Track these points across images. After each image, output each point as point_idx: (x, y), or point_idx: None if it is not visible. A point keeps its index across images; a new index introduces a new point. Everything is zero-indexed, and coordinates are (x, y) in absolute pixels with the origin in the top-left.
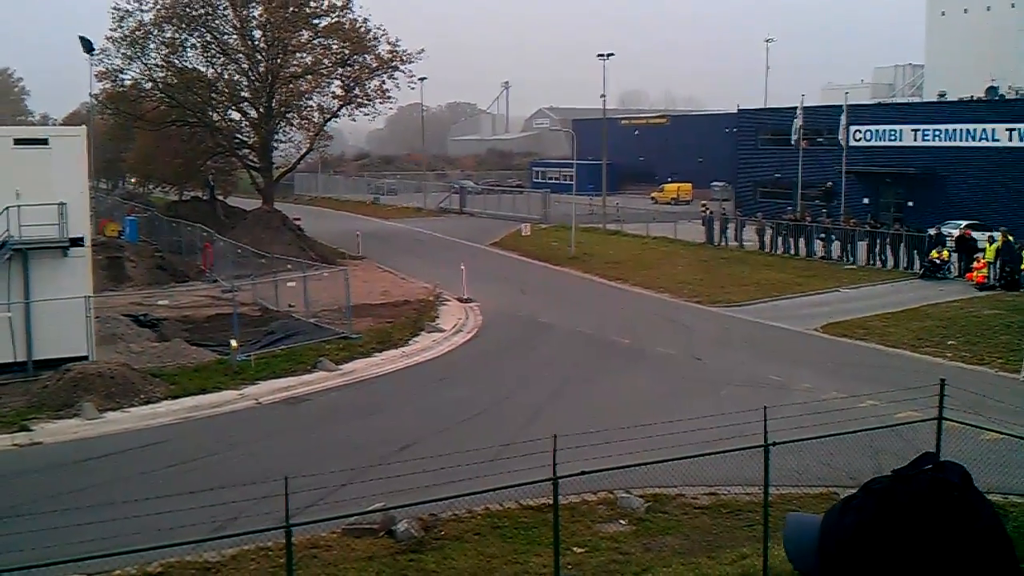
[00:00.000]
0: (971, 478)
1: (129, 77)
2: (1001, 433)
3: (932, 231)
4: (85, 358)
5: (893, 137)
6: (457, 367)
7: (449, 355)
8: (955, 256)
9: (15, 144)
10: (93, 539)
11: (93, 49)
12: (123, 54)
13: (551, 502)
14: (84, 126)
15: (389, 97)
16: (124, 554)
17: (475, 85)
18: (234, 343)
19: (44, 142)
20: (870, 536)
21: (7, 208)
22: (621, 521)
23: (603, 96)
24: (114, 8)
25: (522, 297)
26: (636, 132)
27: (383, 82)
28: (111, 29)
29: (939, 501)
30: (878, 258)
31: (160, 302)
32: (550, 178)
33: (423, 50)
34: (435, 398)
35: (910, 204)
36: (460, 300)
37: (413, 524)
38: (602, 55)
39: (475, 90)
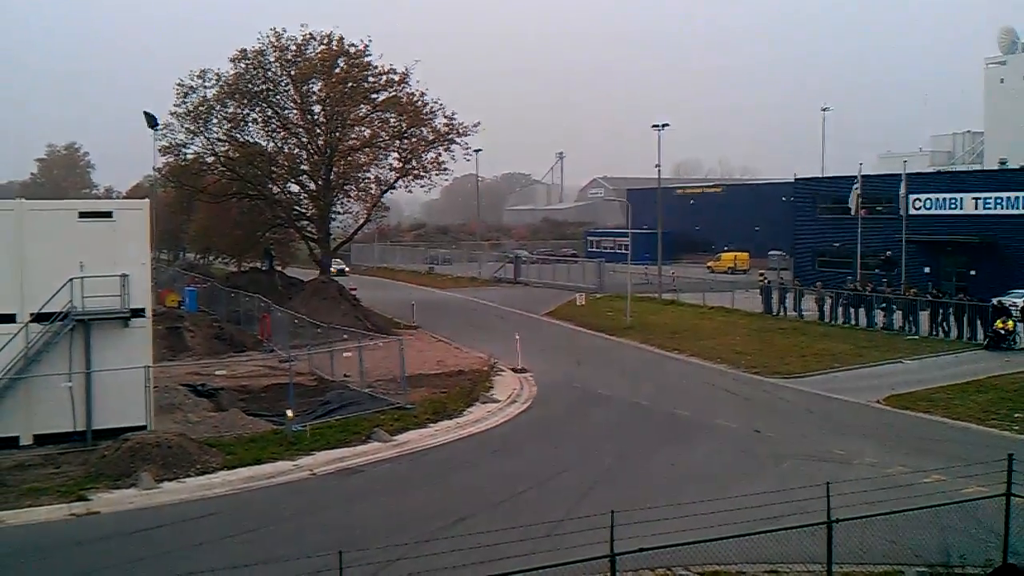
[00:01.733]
0: None
1: (192, 151)
2: None
3: (995, 301)
4: (143, 427)
5: (954, 205)
6: (512, 439)
7: (504, 426)
8: (1020, 326)
9: (80, 217)
10: None
11: (157, 124)
12: (186, 128)
13: None
14: (147, 199)
15: (445, 169)
16: None
17: (530, 155)
18: (290, 413)
19: (108, 215)
20: None
21: (71, 280)
22: None
23: (658, 166)
24: (178, 84)
25: (577, 367)
26: (691, 201)
27: (439, 154)
28: (175, 104)
29: None
30: (940, 328)
31: (218, 372)
32: (605, 247)
33: (479, 123)
34: (490, 470)
35: (972, 273)
36: (515, 370)
37: None
38: (657, 125)
39: (530, 160)
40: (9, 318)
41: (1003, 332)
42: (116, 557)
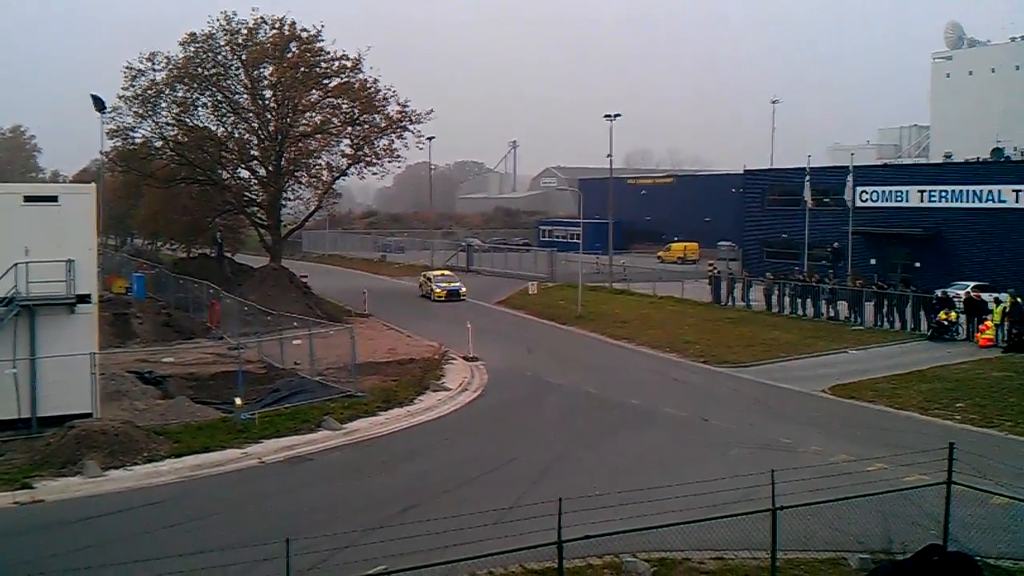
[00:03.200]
0: (980, 571)
1: (140, 135)
2: (1011, 498)
3: (939, 292)
4: (89, 415)
5: (900, 198)
6: (462, 427)
7: (454, 414)
8: (963, 317)
9: (25, 201)
10: None
11: (105, 107)
12: (135, 112)
13: (556, 566)
14: (94, 183)
15: (398, 156)
16: None
17: (483, 144)
18: (239, 401)
19: (54, 199)
20: None
21: (15, 265)
22: None
23: (610, 156)
24: (127, 67)
25: (528, 356)
26: (643, 192)
27: (392, 141)
28: (123, 88)
29: None
30: (886, 319)
31: (166, 359)
32: (557, 237)
33: (432, 111)
34: (440, 458)
35: (917, 265)
36: (466, 359)
37: None
38: (609, 115)
39: (483, 149)
40: None
41: (946, 323)
42: (60, 546)
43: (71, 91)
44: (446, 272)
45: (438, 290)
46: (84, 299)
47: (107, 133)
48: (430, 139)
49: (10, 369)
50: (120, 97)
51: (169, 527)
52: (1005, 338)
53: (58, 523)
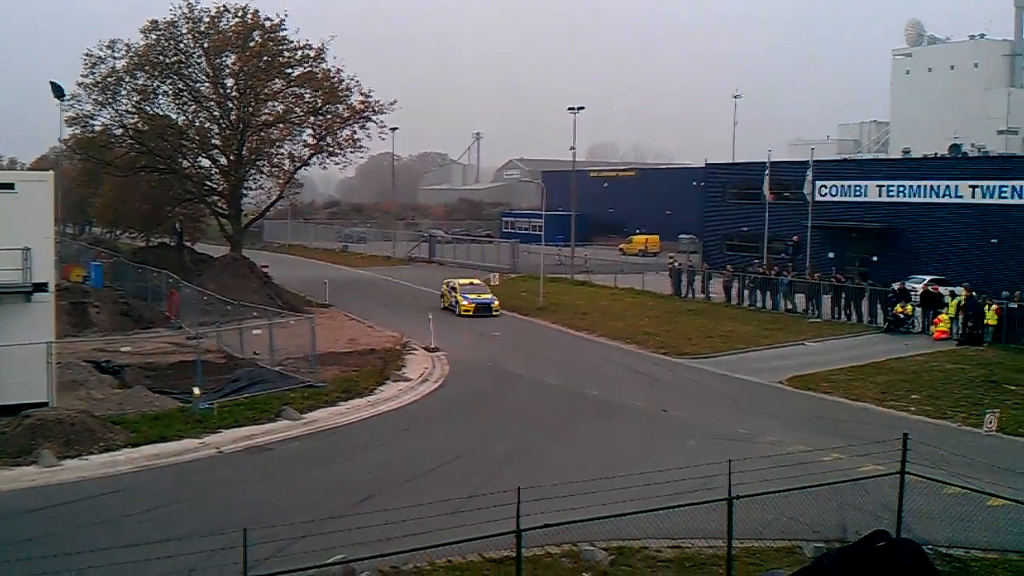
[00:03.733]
0: (925, 556)
1: (99, 123)
2: (962, 487)
3: (896, 286)
4: (45, 404)
5: (858, 193)
6: (423, 417)
7: (415, 405)
8: (919, 311)
9: None
10: None
11: (64, 95)
12: (94, 100)
13: (514, 555)
14: (52, 171)
15: (360, 147)
16: None
17: (446, 136)
18: (197, 391)
19: (11, 187)
20: None
21: None
22: (585, 574)
23: (573, 148)
24: (86, 54)
25: (490, 347)
26: (605, 184)
27: (354, 132)
28: (83, 75)
29: None
30: (843, 312)
31: (123, 348)
32: (520, 228)
33: (395, 101)
34: (400, 448)
35: (875, 259)
36: (427, 349)
37: None
38: (572, 108)
39: (446, 141)
40: None
41: (902, 316)
42: (13, 535)
43: (29, 78)
44: (475, 281)
45: (465, 303)
46: (41, 288)
47: (66, 121)
48: (393, 130)
49: None
50: (80, 84)
51: (126, 517)
52: (960, 331)
53: (12, 513)
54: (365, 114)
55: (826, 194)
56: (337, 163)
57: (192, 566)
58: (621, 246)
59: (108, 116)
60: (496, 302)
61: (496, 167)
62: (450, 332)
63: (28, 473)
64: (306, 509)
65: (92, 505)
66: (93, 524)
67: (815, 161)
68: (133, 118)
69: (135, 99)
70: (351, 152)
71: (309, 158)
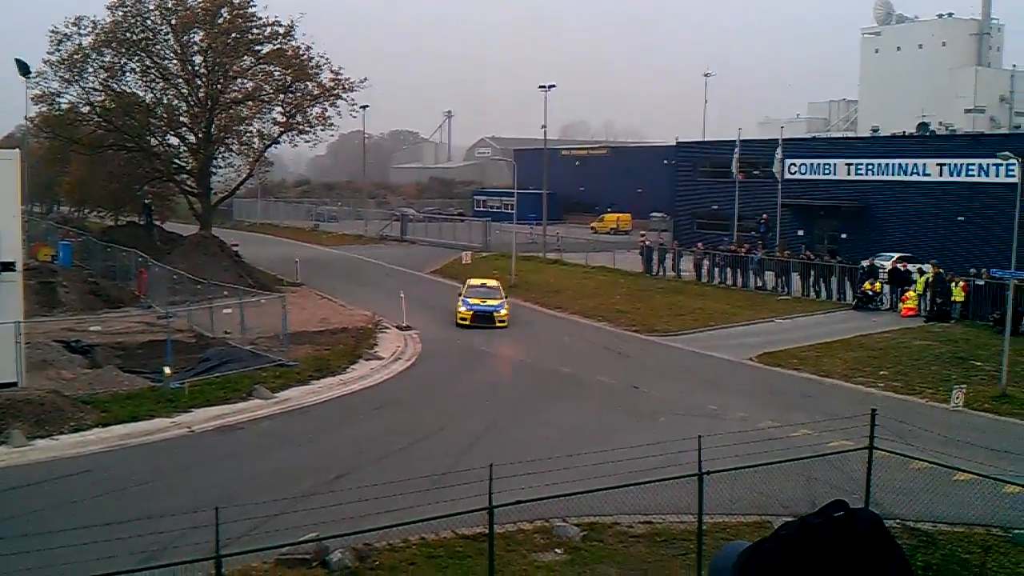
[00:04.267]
0: (883, 526)
1: (66, 100)
2: (929, 462)
3: (865, 263)
4: (14, 384)
5: (827, 171)
6: (395, 396)
7: (387, 383)
8: (887, 288)
9: None
10: (18, 570)
11: (30, 72)
12: (60, 77)
13: (487, 531)
14: (18, 149)
15: (331, 125)
16: None
17: (418, 114)
18: (168, 370)
19: None
20: None
21: None
22: (557, 550)
23: (544, 127)
24: (52, 31)
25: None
26: (577, 163)
27: (325, 110)
28: (49, 52)
29: (843, 551)
30: (812, 289)
31: (93, 328)
32: (491, 207)
33: (366, 79)
34: (372, 426)
35: (844, 236)
36: (399, 328)
37: (347, 554)
38: (544, 86)
39: (418, 119)
40: None
41: (871, 293)
42: None
43: None
44: (488, 283)
45: (463, 309)
46: (8, 267)
47: (32, 98)
48: (364, 108)
49: None
50: (45, 62)
51: (97, 496)
52: (928, 308)
53: None
54: (335, 92)
55: (795, 172)
56: (307, 141)
57: (164, 545)
58: (593, 224)
59: (75, 94)
60: (504, 310)
61: (468, 145)
62: (422, 311)
63: None
64: (279, 488)
65: (63, 485)
66: (64, 504)
67: (784, 139)
68: (100, 96)
69: (102, 76)
70: (321, 130)
71: (279, 136)
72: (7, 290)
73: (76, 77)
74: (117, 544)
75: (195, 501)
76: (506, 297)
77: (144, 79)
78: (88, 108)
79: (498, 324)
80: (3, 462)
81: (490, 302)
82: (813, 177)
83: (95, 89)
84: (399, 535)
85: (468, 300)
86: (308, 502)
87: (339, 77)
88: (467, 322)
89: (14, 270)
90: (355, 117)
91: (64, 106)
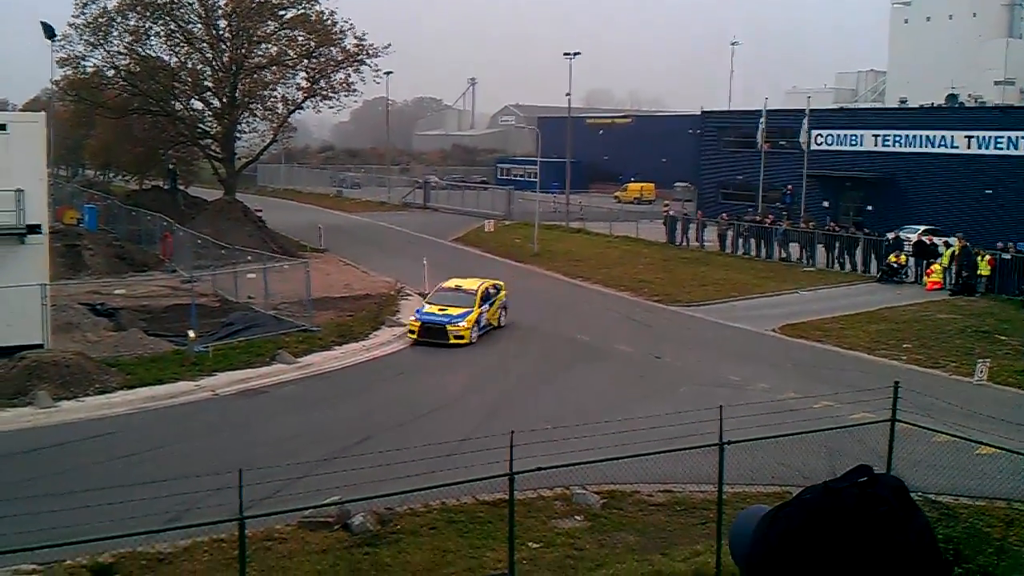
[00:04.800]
0: (907, 492)
1: (91, 64)
2: (952, 436)
3: (890, 235)
4: (40, 346)
5: (854, 142)
6: (417, 362)
7: (409, 350)
8: (913, 261)
9: None
10: (45, 528)
11: (55, 35)
12: (85, 41)
13: (507, 497)
14: (44, 112)
15: (354, 90)
16: (76, 544)
17: (441, 81)
18: (192, 334)
19: (2, 128)
20: (794, 547)
21: None
22: (577, 517)
23: (568, 95)
24: None
25: None
26: (601, 131)
27: (348, 75)
28: (74, 15)
29: (866, 516)
30: (837, 261)
31: (118, 291)
32: (515, 175)
33: (389, 45)
34: (394, 392)
35: (869, 208)
36: (422, 295)
37: (368, 518)
38: (568, 54)
39: (441, 86)
40: None
41: (896, 266)
42: (11, 476)
43: (19, 17)
44: (465, 284)
45: (411, 319)
46: (34, 229)
47: (57, 62)
48: (387, 74)
49: None
50: (70, 25)
51: (122, 458)
52: (953, 281)
53: (7, 453)
54: (359, 57)
55: (822, 143)
56: (331, 107)
57: (188, 506)
58: (616, 194)
59: (100, 57)
60: (465, 322)
61: (491, 113)
62: (445, 279)
63: (24, 413)
64: (301, 451)
65: (88, 446)
66: (89, 465)
67: (811, 110)
68: (125, 59)
69: (127, 40)
70: (345, 96)
71: (303, 101)
72: (33, 253)
73: (101, 41)
74: (142, 504)
75: (218, 464)
76: (489, 306)
77: (169, 43)
78: (113, 72)
79: (453, 340)
80: (29, 423)
81: (451, 311)
82: (840, 148)
83: (120, 53)
84: (420, 500)
85: (422, 308)
86: (330, 466)
87: (363, 43)
88: (415, 335)
89: (40, 232)
90: (379, 83)
91: (89, 70)
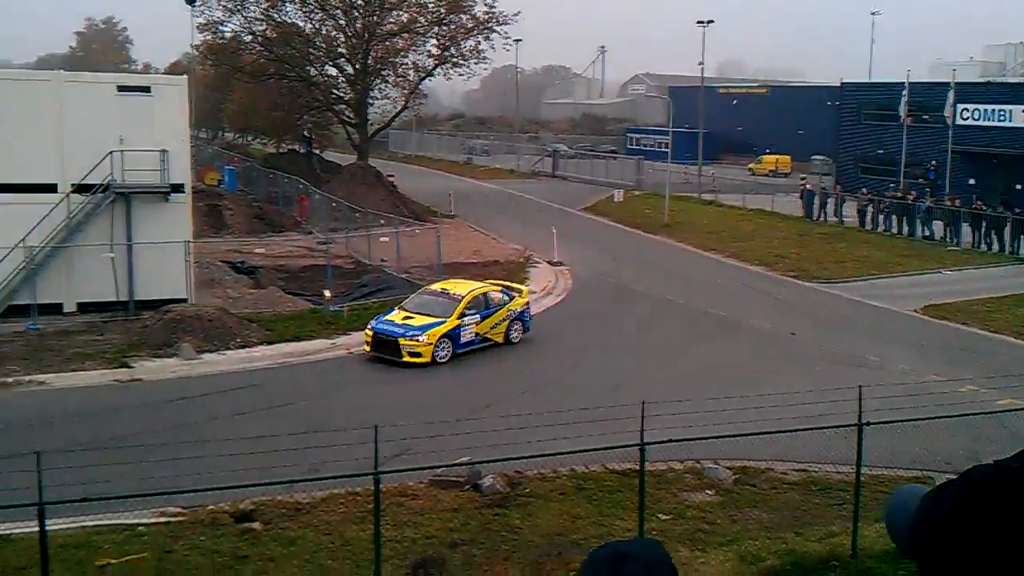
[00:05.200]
0: None
1: (229, 29)
2: None
3: None
4: (184, 301)
5: (1003, 117)
6: (545, 329)
7: (538, 318)
8: None
9: (119, 91)
10: (188, 474)
11: (195, 1)
12: (224, 7)
13: (637, 467)
14: (186, 76)
15: (484, 58)
16: (218, 490)
17: (571, 49)
18: (328, 293)
19: (147, 90)
20: (963, 524)
21: (111, 153)
22: (708, 491)
23: (701, 64)
24: None
25: (613, 263)
26: (734, 102)
27: (478, 43)
28: None
29: None
30: (984, 241)
31: (257, 250)
32: (645, 145)
33: (519, 12)
34: (522, 358)
35: (1018, 187)
36: (550, 263)
37: (498, 480)
38: (701, 22)
39: (571, 54)
40: (50, 188)
41: None
42: (157, 423)
43: None
44: (454, 289)
45: (367, 328)
46: (178, 188)
47: (197, 27)
48: (517, 42)
49: (107, 254)
50: None
51: (261, 410)
52: None
53: (155, 401)
54: (489, 25)
55: (968, 118)
56: (461, 75)
57: (326, 459)
58: (750, 166)
59: (237, 23)
60: (425, 336)
61: (621, 82)
62: (573, 248)
63: (170, 364)
64: (433, 411)
65: (230, 397)
66: (231, 415)
67: (957, 83)
68: (262, 25)
69: (263, 6)
70: (475, 63)
71: (433, 68)
72: (177, 211)
73: (238, 6)
74: (281, 455)
75: (354, 419)
76: (484, 317)
77: (303, 9)
78: (250, 37)
79: (407, 357)
80: (174, 373)
81: (417, 320)
82: (987, 124)
83: (257, 18)
84: (549, 466)
85: (384, 316)
86: (459, 427)
87: (493, 10)
88: (368, 348)
89: (183, 192)
90: (508, 51)
91: (227, 35)
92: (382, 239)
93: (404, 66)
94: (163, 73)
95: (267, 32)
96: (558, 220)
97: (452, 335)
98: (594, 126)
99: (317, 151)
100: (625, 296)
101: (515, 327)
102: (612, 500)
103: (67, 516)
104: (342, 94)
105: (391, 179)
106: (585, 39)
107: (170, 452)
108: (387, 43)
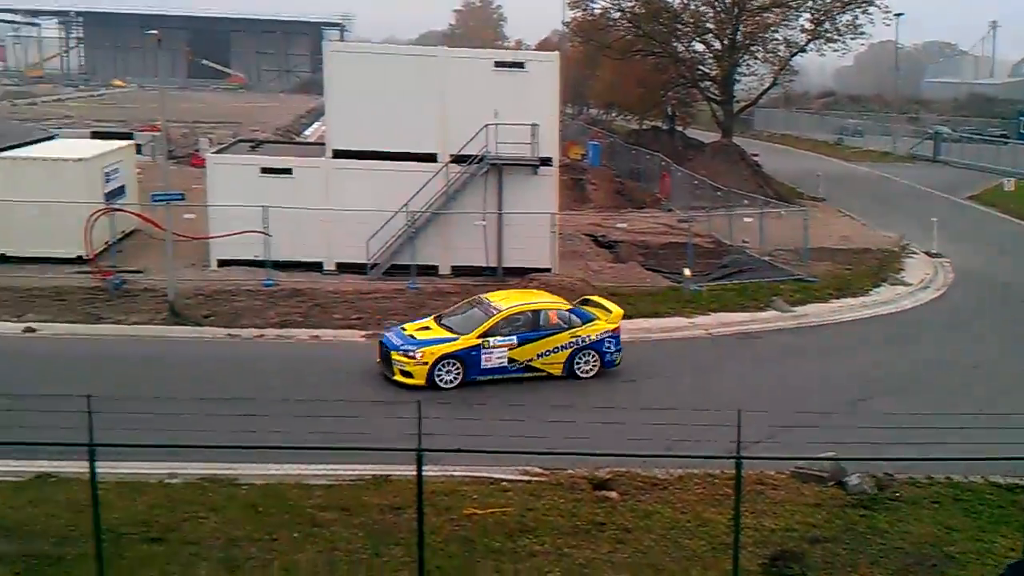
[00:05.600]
0: None
1: (599, 6)
2: None
3: None
4: (548, 271)
5: None
6: (921, 325)
7: (913, 311)
8: None
9: (496, 66)
10: (547, 436)
11: None
12: None
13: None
14: (557, 52)
15: (861, 33)
16: (578, 455)
17: (957, 25)
18: (687, 272)
19: (521, 66)
20: None
21: (486, 125)
22: None
23: None
24: None
25: (1001, 259)
26: None
27: (855, 17)
28: None
29: None
30: None
31: (618, 225)
32: None
33: None
34: (892, 354)
35: None
36: (929, 255)
37: (866, 479)
38: None
39: (957, 30)
40: (431, 158)
41: None
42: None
43: None
44: (493, 301)
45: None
46: (546, 162)
47: (568, 4)
48: (898, 15)
49: (479, 221)
50: None
51: (626, 382)
52: None
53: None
54: None
55: None
56: (835, 51)
57: (684, 437)
58: None
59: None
60: (420, 353)
61: (1014, 60)
62: (955, 239)
63: None
64: (793, 401)
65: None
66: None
67: None
68: (631, 1)
69: None
70: (851, 39)
71: (805, 44)
72: (544, 183)
73: None
74: (640, 428)
75: (712, 401)
76: (523, 343)
77: None
78: (619, 14)
79: (398, 377)
80: None
81: (429, 334)
82: None
83: None
84: (922, 470)
85: (402, 327)
86: (823, 420)
87: None
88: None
89: (551, 165)
90: (888, 25)
91: (597, 11)
92: (745, 219)
93: (774, 41)
94: (533, 50)
95: (635, 8)
96: (938, 208)
97: (463, 357)
98: (982, 108)
99: (680, 128)
100: (1013, 295)
101: (587, 358)
102: (993, 516)
103: (439, 464)
104: (708, 70)
105: (756, 158)
106: (973, 13)
107: (528, 412)
108: (757, 18)
